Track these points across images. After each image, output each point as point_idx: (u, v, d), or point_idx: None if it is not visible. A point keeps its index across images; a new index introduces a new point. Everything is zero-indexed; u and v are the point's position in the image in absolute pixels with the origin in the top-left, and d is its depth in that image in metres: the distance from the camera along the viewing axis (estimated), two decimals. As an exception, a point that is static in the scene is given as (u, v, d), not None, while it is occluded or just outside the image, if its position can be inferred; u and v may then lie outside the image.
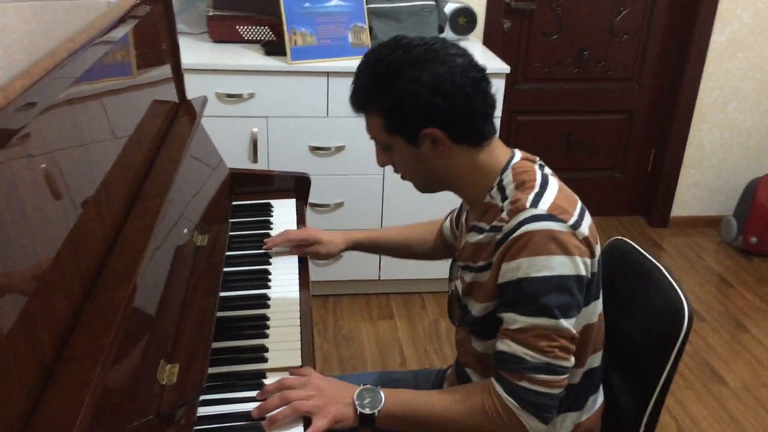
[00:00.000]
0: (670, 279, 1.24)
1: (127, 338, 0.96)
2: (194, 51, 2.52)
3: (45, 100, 0.93)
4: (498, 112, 2.60)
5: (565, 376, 1.09)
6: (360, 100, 1.17)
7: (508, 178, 1.16)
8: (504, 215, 1.11)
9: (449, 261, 1.40)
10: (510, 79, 3.16)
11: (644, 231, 3.60)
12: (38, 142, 0.91)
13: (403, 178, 1.24)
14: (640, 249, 1.35)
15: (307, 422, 1.10)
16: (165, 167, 1.37)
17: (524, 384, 1.07)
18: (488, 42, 3.06)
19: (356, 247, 1.58)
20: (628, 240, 1.39)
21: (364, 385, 1.16)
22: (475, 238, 1.19)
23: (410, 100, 1.09)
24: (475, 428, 1.12)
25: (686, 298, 1.19)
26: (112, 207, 1.14)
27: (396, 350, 2.61)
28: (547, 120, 3.42)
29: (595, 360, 1.22)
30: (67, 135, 1.02)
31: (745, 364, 2.61)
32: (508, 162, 1.17)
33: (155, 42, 1.62)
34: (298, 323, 1.36)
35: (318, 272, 2.78)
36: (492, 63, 2.59)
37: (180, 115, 1.69)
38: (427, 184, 1.23)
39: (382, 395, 1.13)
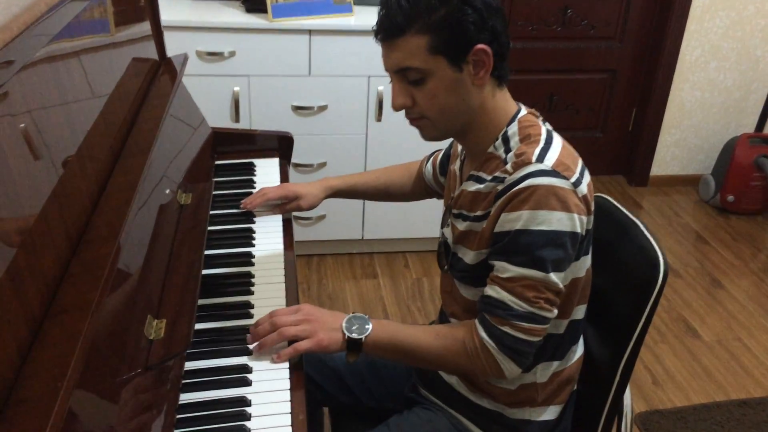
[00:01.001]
0: (648, 235, 1.27)
1: (115, 294, 0.98)
2: (174, 8, 2.48)
3: (25, 57, 0.92)
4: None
5: (546, 326, 1.13)
6: (406, 17, 1.06)
7: (513, 129, 1.16)
8: (508, 167, 1.12)
9: (432, 219, 1.42)
10: (493, 37, 3.16)
11: (624, 190, 3.64)
12: (19, 99, 0.91)
13: (416, 121, 1.17)
14: (619, 206, 1.38)
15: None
16: (147, 125, 1.37)
17: (506, 329, 1.11)
18: (471, 0, 3.03)
19: (335, 194, 1.59)
20: (608, 197, 1.41)
21: (353, 313, 1.20)
22: (473, 187, 1.19)
23: (469, 13, 1.06)
24: (454, 363, 1.18)
25: (662, 253, 1.22)
26: (95, 164, 1.14)
27: (380, 309, 2.64)
28: (530, 79, 3.42)
29: (579, 312, 1.25)
30: (48, 92, 1.02)
31: (719, 319, 2.68)
32: (515, 115, 1.18)
33: (134, -2, 1.59)
34: (283, 280, 1.38)
35: (302, 232, 2.79)
36: (475, 21, 2.58)
37: (161, 73, 1.68)
38: (446, 125, 1.16)
39: (370, 324, 1.18)
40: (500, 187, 1.12)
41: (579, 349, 1.31)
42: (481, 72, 1.10)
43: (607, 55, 3.43)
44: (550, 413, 1.27)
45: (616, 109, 3.58)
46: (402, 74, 1.12)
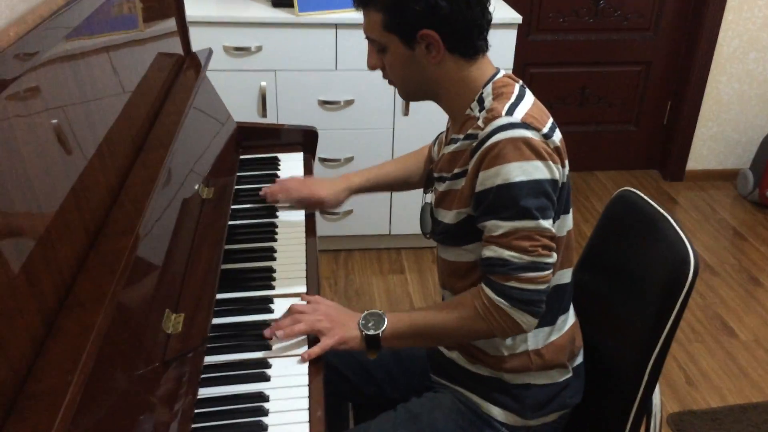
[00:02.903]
0: (678, 229, 1.23)
1: (132, 287, 0.98)
2: (201, 3, 2.49)
3: (43, 50, 0.92)
4: (510, 64, 2.56)
5: (549, 271, 1.14)
6: None
7: (488, 90, 1.18)
8: (479, 123, 1.15)
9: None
10: (523, 29, 3.10)
11: (659, 185, 3.56)
12: (40, 93, 0.91)
13: (390, 83, 1.25)
14: (648, 199, 1.34)
15: (311, 340, 1.17)
16: (169, 119, 1.37)
17: (512, 284, 1.12)
18: (501, -8, 2.99)
19: (358, 192, 1.59)
20: (636, 191, 1.37)
21: (368, 310, 1.21)
22: (451, 148, 1.22)
23: None
24: (472, 332, 1.19)
25: (693, 248, 1.18)
26: (116, 158, 1.14)
27: (407, 304, 2.62)
28: (561, 72, 3.36)
29: (564, 276, 1.25)
30: (71, 86, 1.02)
31: (756, 318, 2.60)
32: (491, 78, 1.20)
33: (158, -7, 1.60)
34: (305, 275, 1.37)
35: (329, 227, 2.79)
36: (503, 12, 2.54)
37: (185, 68, 1.68)
38: (411, 91, 1.24)
39: (385, 317, 1.19)
40: (474, 144, 1.14)
41: (570, 318, 1.31)
42: (434, 52, 1.15)
43: (641, 47, 3.35)
44: (549, 378, 1.27)
45: (650, 102, 3.50)
46: (370, 41, 1.20)
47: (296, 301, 1.28)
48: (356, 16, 2.45)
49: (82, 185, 0.97)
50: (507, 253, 1.11)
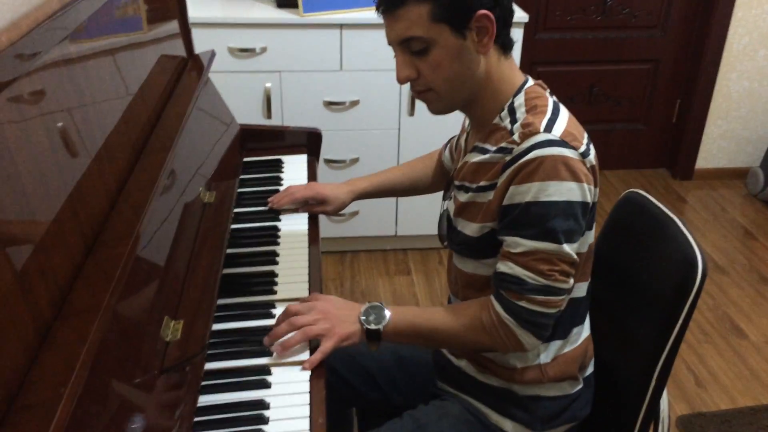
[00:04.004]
0: (685, 231, 1.21)
1: (130, 294, 0.96)
2: (205, 5, 2.48)
3: (43, 54, 0.91)
4: (517, 63, 2.53)
5: (563, 297, 1.12)
6: None
7: (519, 100, 1.14)
8: (515, 137, 1.10)
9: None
10: (530, 28, 3.09)
11: (668, 184, 3.52)
12: (36, 97, 0.90)
13: (423, 94, 1.15)
14: (655, 201, 1.32)
15: (313, 346, 1.15)
16: (171, 122, 1.36)
17: (523, 304, 1.10)
18: (507, -10, 2.96)
19: (362, 197, 1.57)
20: (643, 192, 1.35)
21: (369, 302, 1.19)
22: (477, 158, 1.17)
23: None
24: (474, 341, 1.17)
25: (701, 251, 1.16)
26: (116, 163, 1.13)
27: (412, 305, 2.61)
28: (569, 71, 3.33)
29: (580, 290, 1.22)
30: (69, 90, 1.01)
31: (767, 318, 2.57)
32: (522, 85, 1.16)
33: (160, -5, 1.59)
34: (307, 279, 1.35)
35: (335, 228, 2.77)
36: (510, 12, 2.51)
37: (188, 70, 1.67)
38: (450, 94, 1.14)
39: (387, 312, 1.17)
40: (508, 158, 1.10)
41: (584, 331, 1.28)
42: (485, 39, 1.10)
43: (650, 45, 3.32)
44: (560, 390, 1.25)
45: (659, 100, 3.47)
46: (405, 45, 1.10)
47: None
48: (361, 16, 2.44)
49: (79, 191, 0.96)
50: (523, 273, 1.09)
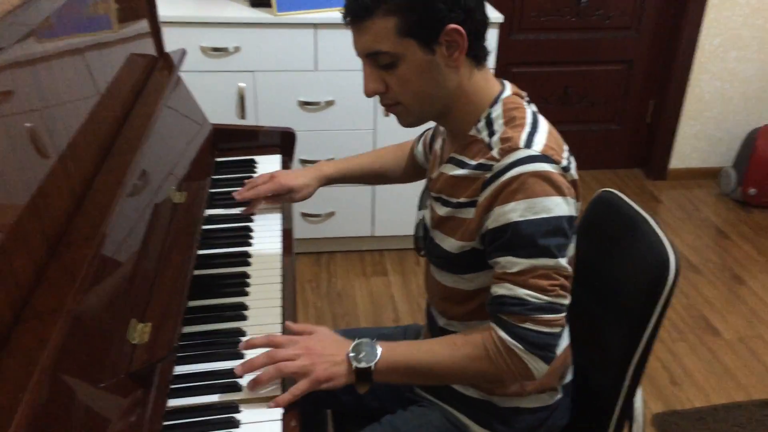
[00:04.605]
0: (658, 230, 1.21)
1: (95, 296, 0.94)
2: (178, 3, 2.45)
3: (4, 50, 0.89)
4: (491, 64, 2.54)
5: (564, 314, 1.08)
6: None
7: (497, 112, 1.10)
8: (495, 153, 1.06)
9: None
10: (504, 28, 3.09)
11: (642, 184, 3.55)
12: (-8, 95, 0.87)
13: (392, 108, 1.12)
14: (628, 200, 1.32)
15: (288, 384, 1.07)
16: (139, 121, 1.33)
17: (528, 326, 1.05)
18: (482, -9, 2.97)
19: (330, 183, 1.52)
20: (616, 191, 1.35)
21: (359, 339, 1.11)
22: (454, 171, 1.13)
23: None
24: (478, 374, 1.12)
25: (674, 250, 1.16)
26: (81, 163, 1.10)
27: (390, 306, 2.60)
28: (543, 71, 3.34)
29: None
30: (31, 89, 0.98)
31: (740, 316, 2.60)
32: (499, 95, 1.12)
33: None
34: (280, 280, 1.34)
35: (311, 229, 2.75)
36: (484, 12, 2.51)
37: (158, 69, 1.64)
38: (420, 108, 1.10)
39: (378, 348, 1.09)
40: (488, 175, 1.06)
41: (563, 341, 1.26)
42: (455, 53, 1.05)
43: (623, 46, 3.34)
44: (540, 401, 1.24)
45: (633, 100, 3.50)
46: (373, 58, 1.06)
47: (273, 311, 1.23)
48: (336, 15, 2.42)
49: (42, 192, 0.94)
50: (523, 292, 1.04)
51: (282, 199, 1.53)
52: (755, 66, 3.34)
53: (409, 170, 1.52)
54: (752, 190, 3.27)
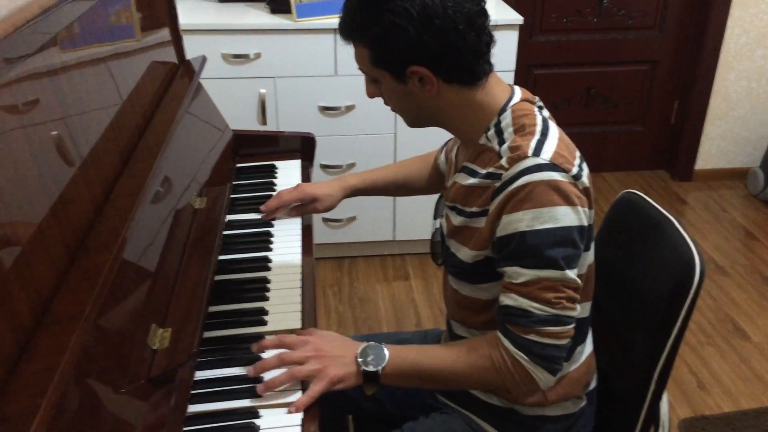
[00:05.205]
0: (683, 232, 1.19)
1: (115, 301, 0.95)
2: (199, 11, 2.47)
3: (25, 60, 0.90)
4: (512, 66, 2.52)
5: (572, 326, 1.07)
6: (347, 29, 1.09)
7: (506, 120, 1.10)
8: (503, 162, 1.06)
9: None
10: (525, 30, 3.07)
11: (667, 185, 3.50)
12: (18, 103, 0.88)
13: (392, 109, 1.19)
14: (652, 202, 1.30)
15: (306, 385, 1.08)
16: (160, 128, 1.34)
17: (532, 337, 1.04)
18: (502, -7, 2.96)
19: (354, 194, 1.53)
20: (639, 193, 1.33)
21: (367, 342, 1.13)
22: (467, 180, 1.14)
23: (396, 34, 1.01)
24: (482, 382, 1.12)
25: (698, 253, 1.14)
26: (102, 170, 1.11)
27: (411, 311, 2.59)
28: (565, 73, 3.31)
29: (584, 310, 1.19)
30: (54, 97, 0.99)
31: (770, 319, 2.55)
32: (507, 102, 1.11)
33: (151, 2, 1.57)
34: (300, 285, 1.33)
35: (332, 234, 2.76)
36: (504, 14, 2.50)
37: (179, 76, 1.65)
38: (415, 121, 1.17)
39: (386, 352, 1.10)
40: (497, 184, 1.06)
41: (586, 349, 1.24)
42: (428, 86, 1.07)
43: (647, 46, 3.30)
44: (564, 409, 1.22)
45: (657, 101, 3.45)
46: (363, 72, 1.13)
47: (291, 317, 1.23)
48: (355, 20, 2.43)
49: (63, 199, 0.95)
50: (528, 304, 1.04)
51: (306, 209, 1.54)
52: (783, 64, 3.29)
53: (434, 180, 1.51)
54: (781, 191, 3.21)
